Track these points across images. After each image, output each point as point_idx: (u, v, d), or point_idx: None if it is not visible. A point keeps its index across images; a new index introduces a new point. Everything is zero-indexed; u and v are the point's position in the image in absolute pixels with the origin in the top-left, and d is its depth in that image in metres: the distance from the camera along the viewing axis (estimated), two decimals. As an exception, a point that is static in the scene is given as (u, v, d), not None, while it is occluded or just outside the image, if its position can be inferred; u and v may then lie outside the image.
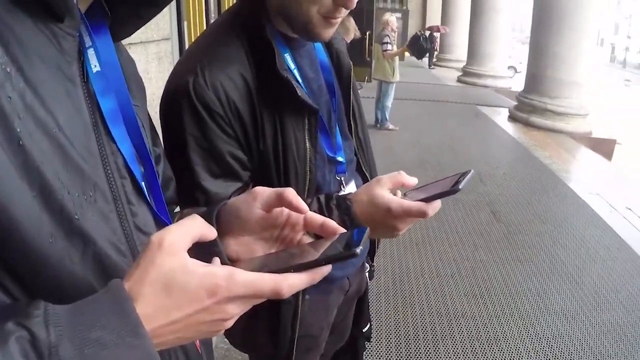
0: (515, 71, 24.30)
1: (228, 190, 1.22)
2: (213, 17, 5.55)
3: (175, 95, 1.18)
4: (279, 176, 1.27)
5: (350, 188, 1.41)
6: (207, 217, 0.87)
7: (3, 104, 0.53)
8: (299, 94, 1.20)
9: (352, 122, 1.49)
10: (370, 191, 1.13)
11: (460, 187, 1.02)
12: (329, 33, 1.23)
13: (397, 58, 9.36)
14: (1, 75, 0.54)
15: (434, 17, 26.97)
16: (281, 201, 0.81)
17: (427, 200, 1.07)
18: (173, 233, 0.59)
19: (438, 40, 23.10)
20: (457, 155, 7.80)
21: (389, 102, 9.46)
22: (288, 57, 1.28)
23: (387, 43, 9.11)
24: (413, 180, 1.13)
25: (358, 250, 0.64)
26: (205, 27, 5.18)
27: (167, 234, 0.59)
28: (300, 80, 1.29)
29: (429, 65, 22.20)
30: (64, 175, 0.60)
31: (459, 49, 22.37)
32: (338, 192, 1.36)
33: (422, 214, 1.07)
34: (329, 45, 1.46)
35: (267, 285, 0.61)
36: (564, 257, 4.55)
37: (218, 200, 1.10)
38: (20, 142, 0.55)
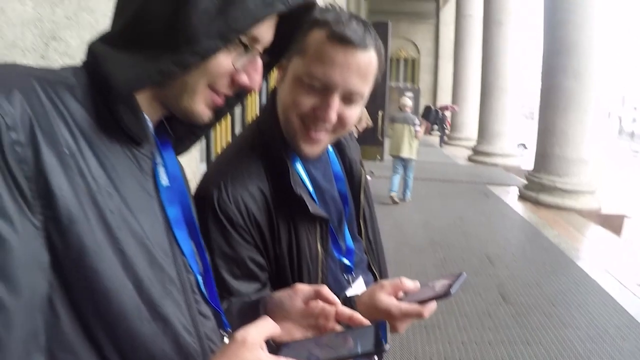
0: (525, 148, 24.51)
1: (249, 289, 1.31)
2: (237, 125, 5.91)
3: (203, 205, 1.26)
4: (293, 277, 1.36)
5: (357, 285, 1.49)
6: (255, 308, 1.16)
7: (107, 217, 0.76)
8: (311, 210, 1.31)
9: (362, 225, 1.59)
10: (373, 295, 1.24)
11: (452, 291, 1.13)
12: (312, 150, 1.34)
13: None
14: (105, 194, 0.77)
15: (444, 96, 27.54)
16: (318, 296, 1.07)
17: (423, 302, 1.19)
18: (252, 333, 0.80)
19: (449, 119, 23.55)
20: (466, 236, 7.90)
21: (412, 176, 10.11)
22: (302, 171, 1.38)
23: (418, 124, 9.80)
24: (415, 285, 1.24)
25: (387, 347, 0.88)
26: (229, 134, 5.52)
27: (248, 334, 0.80)
28: (312, 191, 1.39)
29: (440, 144, 22.56)
30: (150, 272, 0.82)
31: (469, 128, 22.75)
32: (346, 291, 1.45)
33: (419, 316, 1.19)
34: (342, 154, 1.56)
35: None
36: (573, 338, 4.58)
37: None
38: (120, 246, 0.77)
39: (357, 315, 1.03)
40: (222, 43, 0.81)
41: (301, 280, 1.35)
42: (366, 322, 1.01)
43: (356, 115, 1.32)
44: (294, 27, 1.00)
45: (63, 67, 0.84)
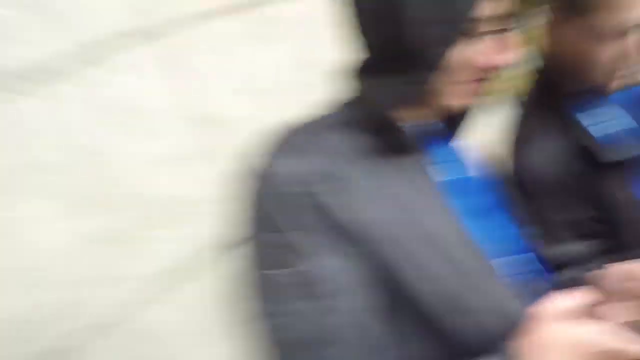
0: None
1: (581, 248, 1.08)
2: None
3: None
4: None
5: None
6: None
7: (404, 230, 0.74)
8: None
9: None
10: None
11: None
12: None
13: None
14: (397, 212, 0.75)
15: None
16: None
17: None
18: (556, 306, 0.70)
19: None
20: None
21: None
22: None
23: None
24: None
25: None
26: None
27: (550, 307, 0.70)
28: None
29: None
30: (449, 267, 0.76)
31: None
32: None
33: None
34: None
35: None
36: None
37: None
38: (419, 257, 0.74)
39: None
40: (447, 46, 0.74)
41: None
42: None
43: None
44: None
45: (332, 101, 0.86)
